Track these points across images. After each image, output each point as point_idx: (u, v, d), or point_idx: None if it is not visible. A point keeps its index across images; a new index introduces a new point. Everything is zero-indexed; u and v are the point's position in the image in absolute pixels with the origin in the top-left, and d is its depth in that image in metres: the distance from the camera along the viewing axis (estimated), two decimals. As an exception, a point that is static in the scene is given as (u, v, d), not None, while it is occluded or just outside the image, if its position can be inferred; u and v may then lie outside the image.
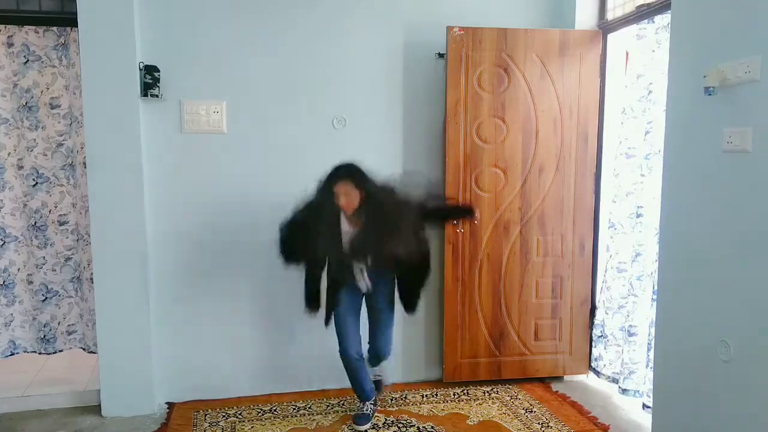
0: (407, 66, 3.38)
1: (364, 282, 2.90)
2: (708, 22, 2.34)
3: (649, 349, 2.96)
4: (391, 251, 2.70)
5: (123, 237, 3.04)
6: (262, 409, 3.20)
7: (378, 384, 3.20)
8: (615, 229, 3.26)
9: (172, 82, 3.10)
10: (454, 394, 3.37)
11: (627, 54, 3.31)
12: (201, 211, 3.22)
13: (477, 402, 3.27)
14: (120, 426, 3.03)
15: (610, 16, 3.37)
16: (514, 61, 3.32)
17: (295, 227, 2.75)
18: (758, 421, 2.14)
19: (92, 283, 3.12)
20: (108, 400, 3.12)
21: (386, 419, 3.06)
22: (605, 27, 3.37)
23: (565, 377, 3.59)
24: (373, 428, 2.98)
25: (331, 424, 3.04)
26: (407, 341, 3.50)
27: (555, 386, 3.48)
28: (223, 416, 3.12)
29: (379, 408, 3.14)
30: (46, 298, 3.29)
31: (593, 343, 3.54)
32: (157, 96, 3.03)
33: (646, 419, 2.94)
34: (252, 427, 3.00)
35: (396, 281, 2.97)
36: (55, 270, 3.28)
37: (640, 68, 3.00)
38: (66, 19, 3.06)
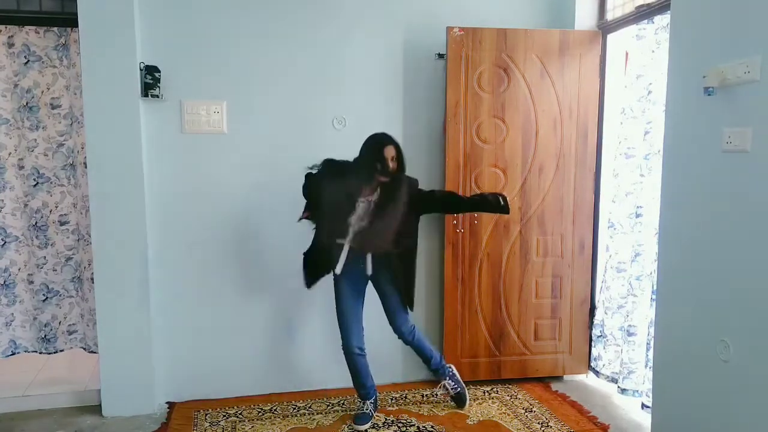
0: (407, 66, 3.38)
1: (367, 265, 2.89)
2: (708, 22, 2.34)
3: (648, 349, 2.96)
4: (387, 235, 2.78)
5: (123, 237, 3.04)
6: (262, 409, 3.20)
7: (459, 397, 3.15)
8: (614, 229, 3.26)
9: (172, 82, 3.11)
10: (454, 394, 3.37)
11: (627, 54, 3.31)
12: (201, 211, 3.23)
13: (477, 402, 3.28)
14: (120, 426, 3.03)
15: (609, 16, 3.37)
16: (513, 61, 3.32)
17: (332, 169, 2.81)
18: (758, 421, 2.14)
19: (93, 283, 3.13)
20: (108, 399, 3.12)
21: (386, 419, 3.07)
22: (605, 27, 3.38)
23: (565, 377, 3.59)
24: (373, 428, 2.98)
25: (331, 423, 3.05)
26: (407, 341, 3.51)
27: (555, 386, 3.48)
28: (224, 416, 3.12)
29: (379, 408, 3.15)
30: (47, 297, 3.30)
31: (593, 343, 3.55)
32: (157, 96, 3.03)
33: (645, 419, 2.95)
34: (252, 426, 3.01)
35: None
36: (55, 270, 3.29)
37: (640, 68, 3.00)
38: (66, 19, 3.06)
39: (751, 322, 2.16)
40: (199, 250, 3.25)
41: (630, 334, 3.13)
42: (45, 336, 3.32)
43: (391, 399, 3.30)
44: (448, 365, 3.19)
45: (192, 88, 3.16)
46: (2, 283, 3.24)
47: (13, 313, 3.28)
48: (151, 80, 3.01)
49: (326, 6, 3.27)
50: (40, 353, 3.35)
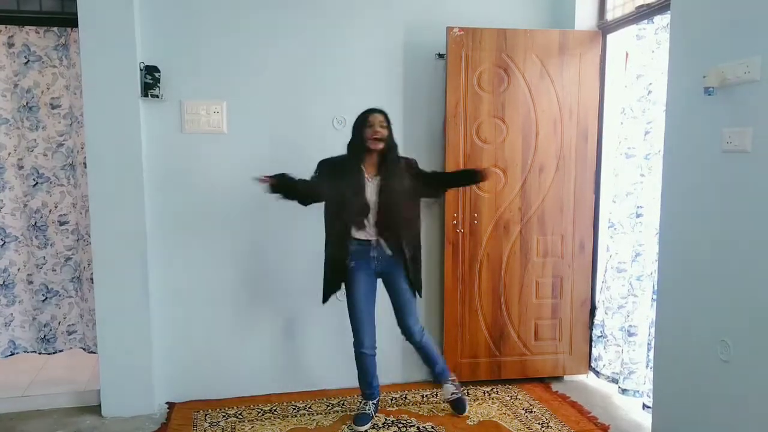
0: (407, 66, 3.38)
1: (383, 250, 2.89)
2: (707, 23, 2.34)
3: (648, 349, 2.96)
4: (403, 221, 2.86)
5: (123, 237, 3.04)
6: (262, 409, 3.20)
7: (458, 403, 3.12)
8: (615, 229, 3.26)
9: (172, 82, 3.11)
10: (454, 394, 3.37)
11: (627, 54, 3.31)
12: (201, 212, 3.23)
13: (477, 402, 3.27)
14: (120, 426, 3.03)
15: (609, 16, 3.37)
16: (513, 61, 3.32)
17: (327, 164, 2.87)
18: (758, 421, 2.14)
19: (92, 283, 3.13)
20: (108, 400, 3.12)
21: (386, 419, 3.06)
22: (605, 27, 3.38)
23: (565, 377, 3.59)
24: (373, 428, 2.98)
25: (331, 424, 3.04)
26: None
27: (555, 386, 3.48)
28: (223, 416, 3.12)
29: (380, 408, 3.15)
30: (46, 298, 3.30)
31: (593, 343, 3.55)
32: (157, 96, 3.03)
33: (646, 419, 2.95)
34: (252, 427, 3.01)
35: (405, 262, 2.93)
36: (55, 270, 3.29)
37: (640, 68, 3.00)
38: (66, 19, 3.06)
39: (751, 322, 2.16)
40: (198, 250, 3.25)
41: (630, 335, 3.13)
42: (44, 336, 3.32)
43: (391, 399, 3.30)
44: (450, 374, 3.17)
45: (192, 88, 3.16)
46: (2, 283, 3.24)
47: (12, 314, 3.28)
48: (151, 80, 3.01)
49: (326, 6, 3.27)
50: (40, 353, 3.35)
